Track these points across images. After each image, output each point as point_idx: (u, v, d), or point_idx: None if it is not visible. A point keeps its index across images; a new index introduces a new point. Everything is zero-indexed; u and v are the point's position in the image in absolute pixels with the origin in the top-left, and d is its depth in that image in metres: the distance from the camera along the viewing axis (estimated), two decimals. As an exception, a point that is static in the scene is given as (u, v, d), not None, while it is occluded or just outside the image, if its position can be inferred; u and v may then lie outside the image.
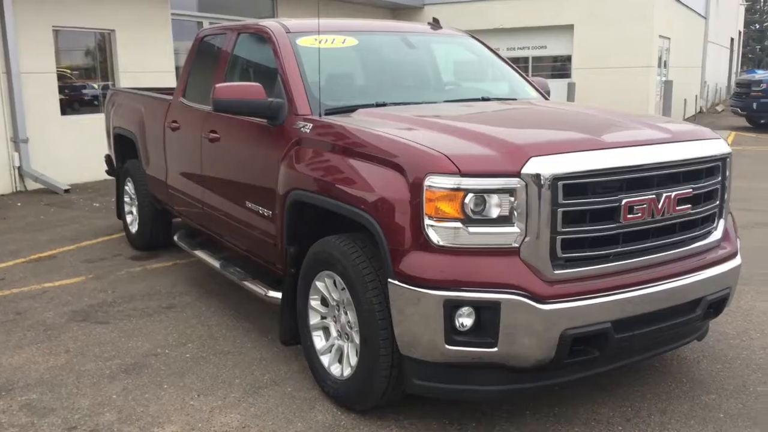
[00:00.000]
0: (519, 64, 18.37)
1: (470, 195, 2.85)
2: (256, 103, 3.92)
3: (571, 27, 16.98)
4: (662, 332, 3.24)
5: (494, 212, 2.88)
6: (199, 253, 5.17)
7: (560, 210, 2.88)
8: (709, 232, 3.42)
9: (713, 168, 3.38)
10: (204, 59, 5.27)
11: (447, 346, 2.91)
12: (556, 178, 2.85)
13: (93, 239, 7.18)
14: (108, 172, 7.42)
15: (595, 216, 2.97)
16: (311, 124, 3.69)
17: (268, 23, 4.45)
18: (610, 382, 3.70)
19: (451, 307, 2.87)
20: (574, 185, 2.91)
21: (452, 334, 2.90)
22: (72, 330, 4.63)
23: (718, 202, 3.43)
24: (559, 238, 2.90)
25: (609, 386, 3.67)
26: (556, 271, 2.91)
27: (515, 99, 4.48)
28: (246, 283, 4.37)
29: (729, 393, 3.62)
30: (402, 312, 2.99)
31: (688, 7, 20.78)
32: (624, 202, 2.98)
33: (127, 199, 6.81)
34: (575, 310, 2.90)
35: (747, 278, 5.45)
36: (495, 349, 2.90)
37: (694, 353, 4.10)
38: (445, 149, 2.96)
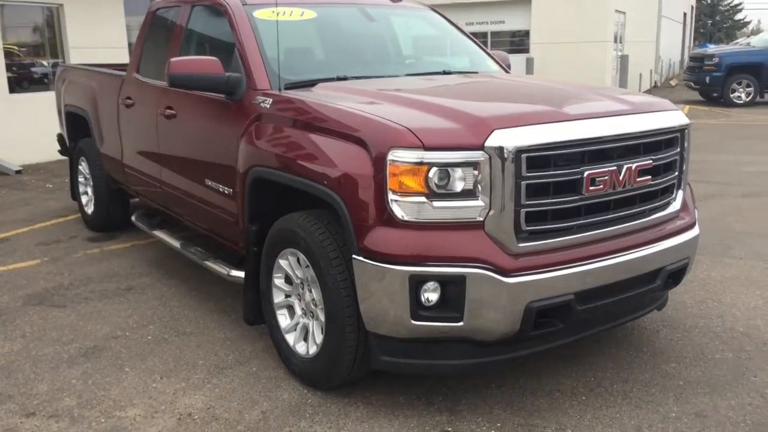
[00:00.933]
0: (478, 39, 18.39)
1: (434, 169, 2.83)
2: (213, 78, 3.83)
3: (528, 2, 17.05)
4: (623, 303, 3.29)
5: (458, 186, 2.86)
6: (159, 234, 5.07)
7: (524, 183, 2.88)
8: (668, 203, 3.47)
9: (672, 139, 3.41)
10: (158, 33, 5.12)
11: (413, 322, 2.90)
12: (519, 151, 2.84)
13: (47, 221, 6.99)
14: (60, 152, 7.21)
15: (558, 188, 2.98)
16: (271, 99, 3.62)
17: (222, -5, 4.33)
18: (573, 354, 3.74)
19: (417, 282, 2.85)
20: (538, 158, 2.90)
21: (418, 309, 2.88)
22: (28, 314, 4.51)
23: (677, 173, 3.47)
24: (523, 210, 2.91)
25: (572, 357, 3.72)
26: (520, 244, 2.92)
27: (476, 72, 4.46)
28: (207, 262, 4.30)
29: (688, 361, 3.70)
30: (367, 288, 2.96)
31: (642, -19, 20.99)
32: (586, 174, 3.00)
33: (81, 179, 6.63)
34: (540, 282, 2.92)
35: (702, 248, 5.57)
36: (461, 324, 2.90)
37: (654, 323, 4.18)
38: (408, 123, 2.92)
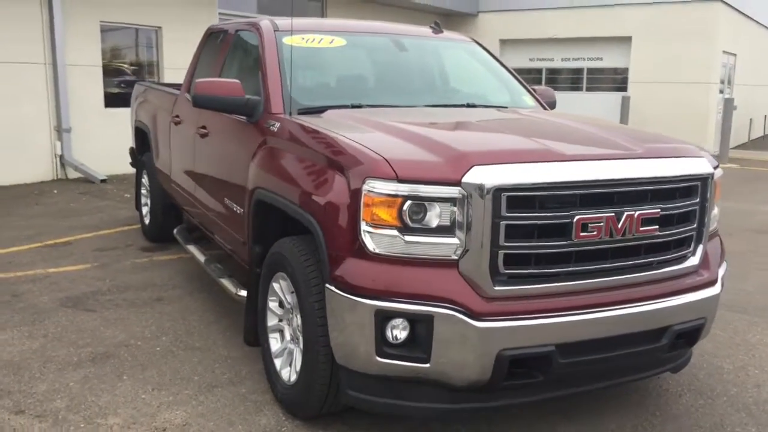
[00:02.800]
0: (574, 75, 17.96)
1: (408, 202, 2.73)
2: (232, 100, 3.90)
3: (629, 39, 16.50)
4: (619, 360, 3.04)
5: (433, 221, 2.75)
6: (191, 248, 5.20)
7: (503, 223, 2.73)
8: (684, 257, 3.20)
9: (690, 188, 3.16)
10: (208, 55, 5.29)
11: (378, 358, 2.79)
12: (498, 189, 2.70)
13: (112, 228, 7.33)
14: (131, 164, 7.56)
15: (544, 232, 2.80)
16: (279, 123, 3.64)
17: (261, 21, 4.43)
18: (575, 408, 3.50)
19: (383, 318, 2.75)
20: (519, 198, 2.75)
21: (383, 346, 2.78)
22: (57, 315, 4.71)
23: (695, 225, 3.20)
24: (501, 252, 2.75)
25: (573, 413, 3.48)
26: (496, 287, 2.76)
27: (505, 107, 4.32)
28: (222, 280, 4.36)
29: None
30: (336, 319, 2.89)
31: (757, 22, 19.88)
32: (576, 218, 2.81)
33: (143, 191, 6.92)
34: (514, 329, 2.75)
35: (761, 309, 5.13)
36: (427, 365, 2.77)
37: (679, 386, 3.85)
38: (388, 153, 2.85)
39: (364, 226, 2.79)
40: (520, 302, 2.79)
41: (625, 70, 16.91)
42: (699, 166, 3.19)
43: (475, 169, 2.72)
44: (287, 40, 4.19)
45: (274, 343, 3.57)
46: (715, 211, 3.48)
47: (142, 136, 6.75)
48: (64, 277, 5.59)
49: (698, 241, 3.23)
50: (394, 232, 2.75)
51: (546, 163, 2.83)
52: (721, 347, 4.41)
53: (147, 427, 3.27)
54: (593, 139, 3.27)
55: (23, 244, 6.60)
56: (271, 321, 3.58)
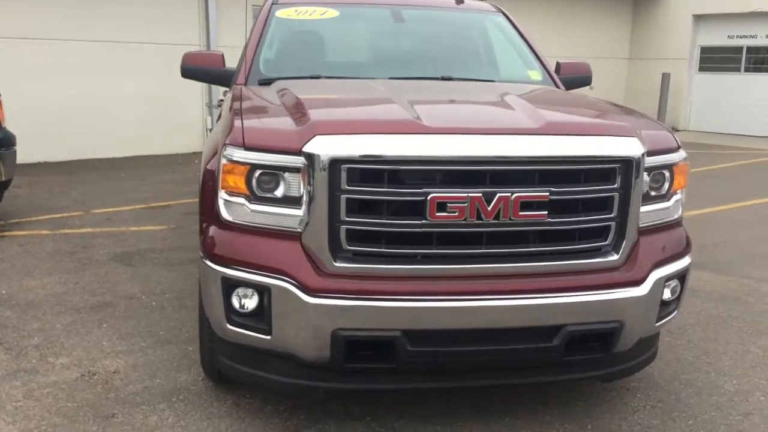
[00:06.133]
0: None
1: (257, 171, 2.69)
2: (213, 71, 4.08)
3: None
4: (496, 356, 2.75)
5: (280, 191, 2.68)
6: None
7: (343, 197, 2.58)
8: (597, 251, 2.79)
9: (604, 171, 2.73)
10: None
11: (228, 326, 2.79)
12: (336, 161, 2.56)
13: (215, 196, 7.90)
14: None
15: (394, 209, 2.61)
16: (230, 93, 3.73)
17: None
18: (489, 403, 3.23)
19: (228, 286, 2.75)
20: (362, 171, 2.58)
21: (231, 314, 2.77)
22: (101, 267, 5.25)
23: (613, 215, 2.76)
24: (343, 227, 2.61)
25: (487, 405, 3.21)
26: (337, 264, 2.63)
27: (492, 81, 3.98)
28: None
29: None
30: (203, 286, 2.95)
31: None
32: (430, 197, 2.57)
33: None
34: (349, 309, 2.60)
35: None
36: (269, 338, 2.72)
37: (639, 399, 3.36)
38: (251, 122, 2.82)
39: (220, 194, 2.80)
40: (363, 282, 2.63)
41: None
42: (621, 147, 2.74)
43: (317, 138, 2.60)
44: (281, 12, 4.25)
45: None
46: (674, 199, 2.99)
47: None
48: (136, 235, 6.19)
49: (620, 235, 2.79)
50: (243, 200, 2.72)
51: (400, 135, 2.62)
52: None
53: (83, 370, 3.57)
54: (489, 113, 2.95)
55: (131, 205, 7.39)
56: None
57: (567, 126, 2.82)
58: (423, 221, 2.59)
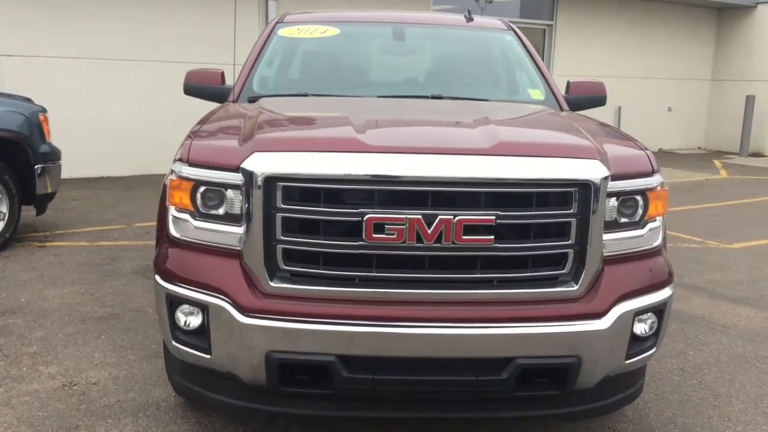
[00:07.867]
0: None
1: (201, 187, 2.67)
2: (211, 88, 4.12)
3: None
4: (441, 387, 2.60)
5: (222, 209, 2.65)
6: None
7: (279, 215, 2.52)
8: (554, 279, 2.61)
9: (560, 195, 2.56)
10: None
11: (174, 343, 2.78)
12: (270, 178, 2.50)
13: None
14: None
15: (330, 229, 2.53)
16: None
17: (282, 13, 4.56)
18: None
19: (171, 302, 2.74)
20: (298, 189, 2.52)
21: (176, 331, 2.76)
22: (121, 279, 5.38)
23: (570, 242, 2.58)
24: (279, 247, 2.55)
25: (454, 446, 3.05)
26: (274, 284, 2.56)
27: (485, 100, 3.82)
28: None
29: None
30: (156, 302, 2.95)
31: None
32: (367, 217, 2.47)
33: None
34: (282, 331, 2.52)
35: None
36: (209, 356, 2.68)
37: (632, 444, 3.11)
38: (201, 139, 2.81)
39: (170, 210, 2.80)
40: (299, 303, 2.55)
41: None
42: (578, 169, 2.56)
43: (255, 155, 2.56)
44: (284, 31, 4.27)
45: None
46: (649, 227, 2.76)
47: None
48: (166, 249, 6.31)
49: (579, 263, 2.60)
50: (188, 217, 2.71)
51: (336, 153, 2.53)
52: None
53: (66, 380, 3.64)
54: (442, 133, 2.83)
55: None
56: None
57: (521, 147, 2.65)
58: (360, 242, 2.50)
